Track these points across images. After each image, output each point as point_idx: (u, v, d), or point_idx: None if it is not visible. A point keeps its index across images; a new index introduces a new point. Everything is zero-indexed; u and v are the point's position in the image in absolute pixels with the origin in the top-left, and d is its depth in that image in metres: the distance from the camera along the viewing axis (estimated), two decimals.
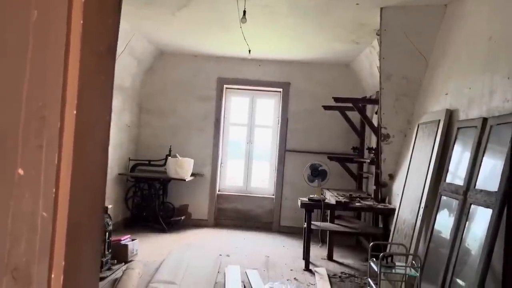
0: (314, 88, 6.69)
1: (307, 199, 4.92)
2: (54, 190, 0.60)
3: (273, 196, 6.79)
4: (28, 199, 0.60)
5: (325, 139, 6.66)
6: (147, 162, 6.40)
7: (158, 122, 6.77)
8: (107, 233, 4.15)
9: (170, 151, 6.36)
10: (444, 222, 3.22)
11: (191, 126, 6.77)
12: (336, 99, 5.30)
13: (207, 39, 5.78)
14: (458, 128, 3.31)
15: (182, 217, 6.45)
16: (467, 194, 2.88)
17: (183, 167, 5.89)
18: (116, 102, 5.76)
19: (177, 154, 6.05)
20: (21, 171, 0.60)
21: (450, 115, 3.52)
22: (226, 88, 6.93)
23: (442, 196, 3.32)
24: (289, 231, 6.57)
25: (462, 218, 2.88)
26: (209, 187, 6.76)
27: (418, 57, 4.18)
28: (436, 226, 3.32)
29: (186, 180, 5.96)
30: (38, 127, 0.60)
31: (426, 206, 3.49)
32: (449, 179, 3.29)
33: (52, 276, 0.60)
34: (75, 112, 0.61)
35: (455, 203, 3.06)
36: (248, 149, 6.98)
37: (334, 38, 5.28)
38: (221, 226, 6.67)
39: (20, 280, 0.59)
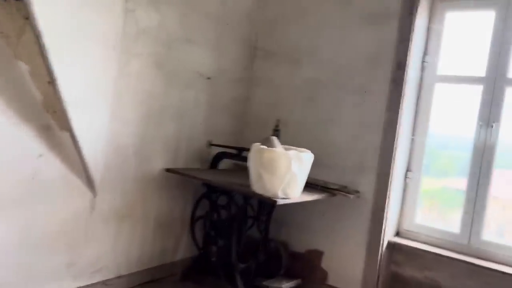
0: None
1: None
2: None
3: None
4: None
5: None
6: (235, 152, 3.14)
7: (281, 75, 3.37)
8: None
9: (276, 130, 2.89)
10: None
11: (341, 83, 3.07)
12: None
13: None
14: None
15: (298, 280, 2.91)
16: None
17: (274, 171, 2.34)
18: (180, 28, 2.76)
19: (273, 138, 2.53)
20: None
21: None
22: None
23: None
24: None
25: None
26: (370, 221, 2.91)
27: None
28: None
29: (279, 202, 2.36)
30: None
31: None
32: None
33: None
34: None
35: None
36: (484, 142, 2.73)
37: None
38: None
39: None
